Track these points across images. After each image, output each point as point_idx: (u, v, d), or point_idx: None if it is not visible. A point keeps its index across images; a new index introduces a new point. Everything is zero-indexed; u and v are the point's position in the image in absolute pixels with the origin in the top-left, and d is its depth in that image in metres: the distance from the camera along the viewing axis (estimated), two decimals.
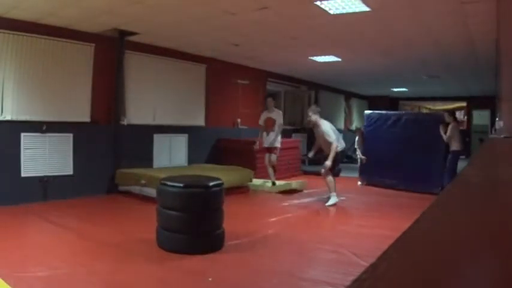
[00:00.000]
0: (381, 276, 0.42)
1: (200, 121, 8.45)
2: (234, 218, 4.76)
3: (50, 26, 5.82)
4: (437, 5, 4.72)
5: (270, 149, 7.41)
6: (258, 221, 5.19)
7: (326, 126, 6.34)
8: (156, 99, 7.45)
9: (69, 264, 3.34)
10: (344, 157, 13.38)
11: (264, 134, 7.44)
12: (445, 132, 7.29)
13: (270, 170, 7.48)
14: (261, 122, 7.56)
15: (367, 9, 4.92)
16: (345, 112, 15.14)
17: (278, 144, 7.43)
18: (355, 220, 5.25)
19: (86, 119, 6.37)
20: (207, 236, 3.78)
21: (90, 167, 6.36)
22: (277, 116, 7.45)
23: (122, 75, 6.81)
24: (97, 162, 6.47)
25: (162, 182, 3.89)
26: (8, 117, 5.50)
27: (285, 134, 9.86)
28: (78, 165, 6.23)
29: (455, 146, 7.36)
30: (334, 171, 6.47)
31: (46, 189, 5.86)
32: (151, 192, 5.65)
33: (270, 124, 7.41)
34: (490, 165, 1.58)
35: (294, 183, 7.58)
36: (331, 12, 5.11)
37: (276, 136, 7.35)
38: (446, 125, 7.40)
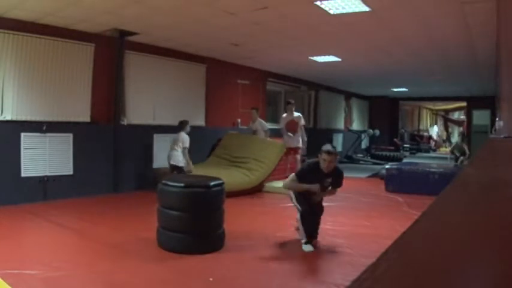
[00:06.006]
0: (381, 276, 0.42)
1: (200, 121, 8.45)
2: (235, 217, 4.76)
3: (50, 26, 5.82)
4: (437, 5, 4.72)
5: (296, 150, 7.98)
6: (258, 221, 5.19)
7: None
8: (156, 99, 7.45)
9: (69, 263, 3.34)
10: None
11: (289, 134, 7.98)
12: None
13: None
14: (282, 125, 8.17)
15: (367, 9, 4.92)
16: (345, 112, 15.15)
17: (301, 144, 8.09)
18: (355, 220, 5.25)
19: (86, 119, 6.37)
20: (207, 236, 3.78)
21: (90, 167, 6.35)
22: (299, 118, 8.10)
23: (122, 75, 6.81)
24: (97, 162, 6.47)
25: (163, 181, 3.89)
26: (8, 117, 5.50)
27: None
28: (78, 165, 6.22)
29: None
30: None
31: (46, 189, 5.85)
32: None
33: (292, 126, 8.02)
34: (490, 165, 1.58)
35: None
36: (331, 12, 5.11)
37: (302, 137, 8.09)
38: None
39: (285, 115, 8.26)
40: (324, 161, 3.88)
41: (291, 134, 7.93)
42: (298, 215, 4.04)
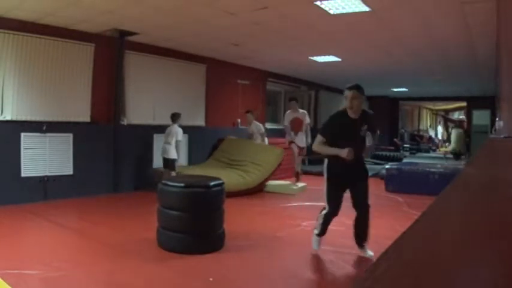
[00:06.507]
0: (381, 276, 0.42)
1: (200, 121, 8.45)
2: (234, 217, 4.76)
3: (50, 26, 5.82)
4: (437, 5, 4.72)
5: (300, 150, 7.60)
6: (258, 221, 5.19)
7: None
8: (156, 99, 7.45)
9: (69, 263, 3.34)
10: None
11: (292, 133, 7.55)
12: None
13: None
14: (286, 122, 7.68)
15: (367, 9, 4.92)
16: None
17: (304, 144, 7.58)
18: None
19: (86, 119, 6.37)
20: (207, 236, 3.78)
21: (90, 167, 6.35)
22: (304, 115, 7.61)
23: (122, 75, 6.81)
24: (97, 162, 6.47)
25: (163, 181, 3.90)
26: (8, 117, 5.50)
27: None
28: (78, 165, 6.22)
29: None
30: None
31: (46, 189, 5.85)
32: None
33: (297, 124, 7.53)
34: (490, 165, 1.58)
35: (296, 188, 7.48)
36: (331, 12, 5.11)
37: (306, 138, 7.55)
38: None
39: (288, 112, 7.73)
40: (346, 99, 3.28)
41: (294, 134, 7.52)
42: (322, 212, 3.76)
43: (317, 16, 5.30)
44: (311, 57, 8.44)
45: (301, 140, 7.52)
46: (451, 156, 11.72)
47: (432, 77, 10.63)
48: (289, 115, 7.64)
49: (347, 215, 5.58)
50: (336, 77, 11.50)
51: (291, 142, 7.58)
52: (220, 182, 3.92)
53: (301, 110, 7.70)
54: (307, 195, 7.00)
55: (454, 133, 12.03)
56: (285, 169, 8.83)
